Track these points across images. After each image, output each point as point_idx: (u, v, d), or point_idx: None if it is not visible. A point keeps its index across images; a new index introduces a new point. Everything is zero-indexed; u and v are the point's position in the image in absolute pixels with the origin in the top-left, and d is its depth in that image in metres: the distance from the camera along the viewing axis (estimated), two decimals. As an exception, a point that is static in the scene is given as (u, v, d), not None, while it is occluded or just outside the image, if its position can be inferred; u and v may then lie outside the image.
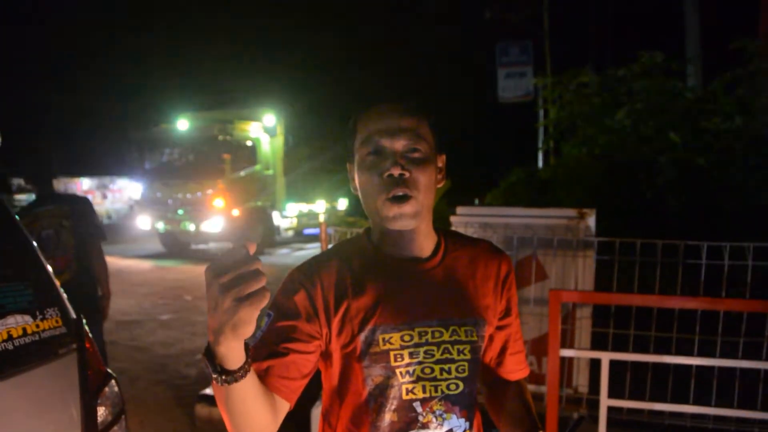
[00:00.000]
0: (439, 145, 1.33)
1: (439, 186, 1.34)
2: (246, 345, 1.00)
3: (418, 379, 1.27)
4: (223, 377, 1.00)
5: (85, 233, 3.99)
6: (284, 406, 1.21)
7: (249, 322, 0.92)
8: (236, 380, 1.00)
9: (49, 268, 2.05)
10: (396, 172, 1.24)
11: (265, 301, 0.91)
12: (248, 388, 1.05)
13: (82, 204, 4.14)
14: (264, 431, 1.15)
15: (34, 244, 2.07)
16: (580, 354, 3.70)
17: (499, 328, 1.43)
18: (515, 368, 1.48)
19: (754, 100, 6.24)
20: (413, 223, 1.28)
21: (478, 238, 1.48)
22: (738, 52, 6.49)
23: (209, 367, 1.00)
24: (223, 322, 0.92)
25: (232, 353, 0.98)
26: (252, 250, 0.93)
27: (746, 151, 5.74)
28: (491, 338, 1.42)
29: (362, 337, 1.27)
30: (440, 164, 1.34)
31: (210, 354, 0.99)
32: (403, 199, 1.24)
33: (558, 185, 6.74)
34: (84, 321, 2.07)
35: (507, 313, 1.43)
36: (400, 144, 1.26)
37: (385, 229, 1.32)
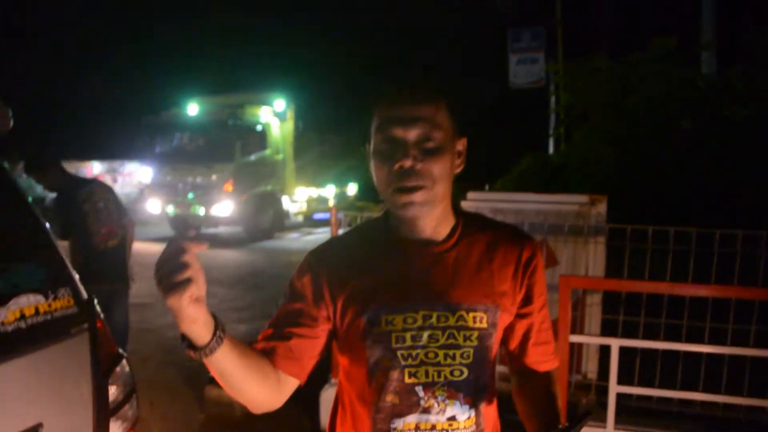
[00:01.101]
0: (458, 129, 1.31)
1: (458, 170, 1.32)
2: (216, 323, 1.08)
3: (421, 364, 1.27)
4: (192, 351, 1.08)
5: (121, 208, 4.67)
6: (292, 382, 1.27)
7: (179, 308, 1.00)
8: (206, 354, 1.08)
9: (61, 248, 2.06)
10: (407, 163, 1.23)
11: (189, 290, 0.98)
12: (226, 360, 1.12)
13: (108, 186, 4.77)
14: (263, 400, 1.24)
15: (47, 225, 2.08)
16: (589, 340, 3.69)
17: (520, 316, 1.38)
18: (540, 359, 1.42)
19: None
20: (423, 210, 1.27)
21: (503, 222, 1.46)
22: (752, 39, 6.40)
23: (183, 342, 1.09)
24: (170, 308, 1.01)
25: (192, 332, 1.06)
26: (192, 234, 1.02)
27: (761, 138, 5.68)
28: (512, 327, 1.39)
29: (365, 317, 1.28)
30: (460, 148, 1.32)
31: (183, 335, 1.09)
32: (412, 189, 1.23)
33: (569, 171, 6.71)
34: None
35: (527, 301, 1.37)
36: (413, 134, 1.24)
37: (399, 214, 1.31)
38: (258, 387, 1.21)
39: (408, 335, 1.27)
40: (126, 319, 4.59)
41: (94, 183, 4.62)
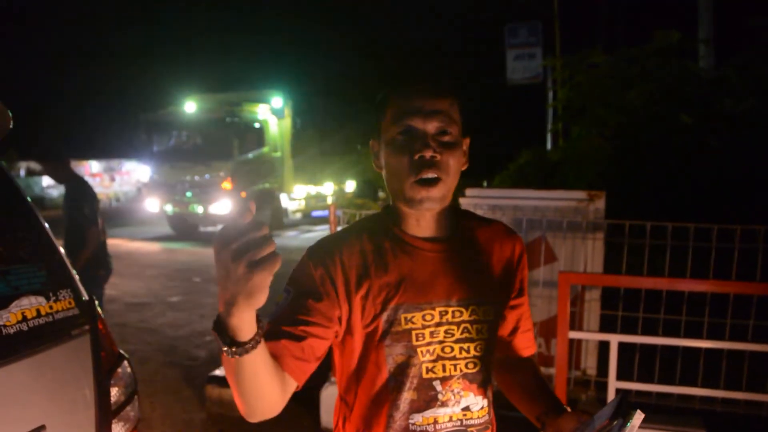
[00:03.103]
0: (465, 129, 1.33)
1: (463, 169, 1.34)
2: (257, 315, 0.98)
3: (438, 358, 1.29)
4: (234, 349, 0.97)
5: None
6: (293, 385, 1.21)
7: (263, 289, 0.89)
8: (247, 352, 0.98)
9: (62, 249, 2.06)
10: (428, 154, 1.23)
11: (277, 265, 0.89)
12: (259, 360, 1.03)
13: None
14: (272, 405, 1.15)
15: (47, 225, 2.08)
16: (588, 336, 3.70)
17: (512, 307, 1.45)
18: (525, 345, 1.51)
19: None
20: (438, 205, 1.28)
21: (491, 218, 1.49)
22: (752, 32, 6.39)
23: (219, 339, 0.98)
24: (236, 291, 0.89)
25: (244, 324, 0.95)
26: (253, 210, 0.89)
27: (760, 133, 5.68)
28: (504, 317, 1.45)
29: (384, 316, 1.27)
30: (465, 147, 1.34)
31: (220, 326, 0.97)
32: (432, 182, 1.24)
33: (568, 167, 6.70)
34: (95, 301, 2.09)
35: (520, 293, 1.45)
36: (432, 126, 1.26)
37: (406, 209, 1.32)
38: (276, 391, 1.13)
39: (427, 332, 1.28)
40: (101, 301, 4.84)
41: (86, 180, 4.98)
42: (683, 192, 5.42)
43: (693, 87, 6.59)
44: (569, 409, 1.35)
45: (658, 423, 3.34)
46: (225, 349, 0.98)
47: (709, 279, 3.37)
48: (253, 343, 0.98)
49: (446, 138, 1.26)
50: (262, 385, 1.08)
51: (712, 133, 5.96)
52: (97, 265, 4.59)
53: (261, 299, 0.91)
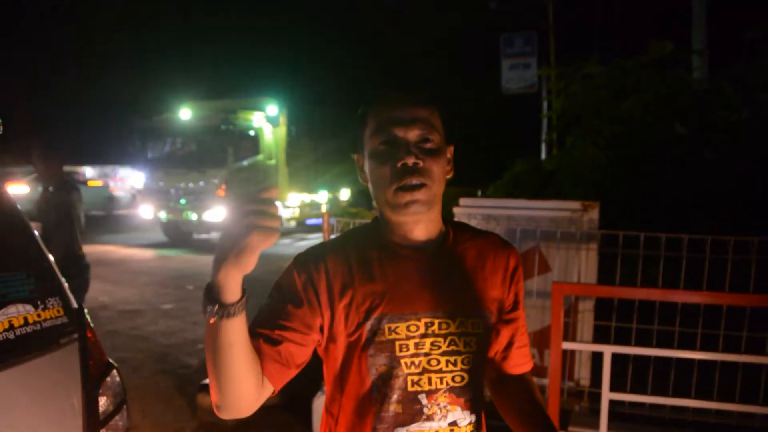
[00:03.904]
0: (448, 136, 1.32)
1: (448, 177, 1.33)
2: (243, 289, 1.05)
3: (424, 371, 1.27)
4: (217, 307, 1.03)
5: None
6: (269, 389, 1.21)
7: (253, 251, 0.99)
8: (230, 314, 1.04)
9: (51, 257, 2.05)
10: (410, 161, 1.23)
11: (273, 239, 0.98)
12: (238, 332, 1.07)
13: None
14: (245, 396, 1.15)
15: (36, 233, 2.06)
16: (582, 347, 3.69)
17: (507, 321, 1.43)
18: (520, 362, 1.48)
19: (762, 92, 6.19)
20: (424, 209, 1.27)
21: (486, 230, 1.48)
22: (746, 44, 6.44)
23: (206, 298, 1.04)
24: (230, 245, 0.99)
25: (230, 283, 1.02)
26: (275, 194, 1.02)
27: (753, 144, 5.70)
28: (498, 332, 1.42)
29: (368, 325, 1.26)
30: (449, 155, 1.34)
31: (209, 288, 1.04)
32: (416, 187, 1.24)
33: (562, 177, 6.71)
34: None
35: (515, 306, 1.43)
36: (413, 134, 1.26)
37: (394, 219, 1.31)
38: (250, 378, 1.14)
39: (411, 343, 1.26)
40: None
41: (77, 185, 5.00)
42: (677, 202, 5.43)
43: (687, 98, 6.62)
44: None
45: (651, 434, 3.34)
46: (209, 308, 1.04)
47: (703, 290, 3.37)
48: (237, 307, 1.04)
49: (428, 145, 1.26)
50: (236, 363, 1.10)
51: (706, 145, 5.99)
52: (66, 274, 4.52)
53: (248, 261, 1.00)
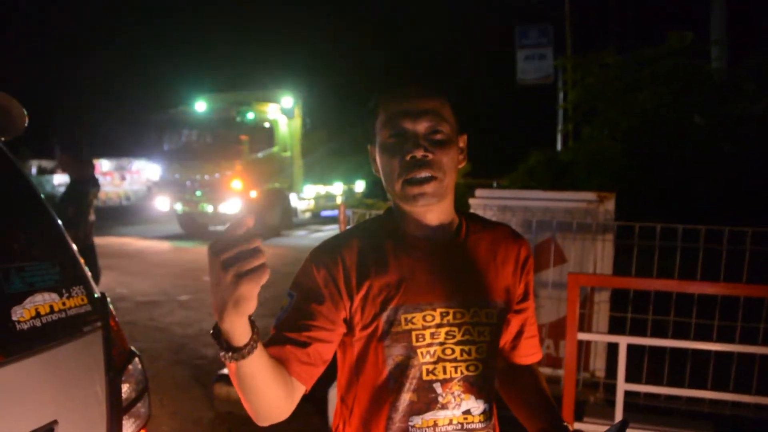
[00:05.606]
0: (460, 125, 1.33)
1: (461, 166, 1.34)
2: (252, 322, 1.02)
3: (439, 360, 1.28)
4: (230, 354, 1.01)
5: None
6: (301, 389, 1.22)
7: (249, 298, 0.93)
8: (243, 357, 1.02)
9: (74, 246, 2.08)
10: (419, 154, 1.24)
11: (264, 278, 0.92)
12: (257, 364, 1.06)
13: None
14: (278, 409, 1.17)
15: (59, 222, 2.10)
16: (597, 338, 3.69)
17: (517, 312, 1.43)
18: (529, 352, 1.49)
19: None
20: (434, 201, 1.27)
21: (498, 221, 1.48)
22: (765, 33, 6.35)
23: (217, 344, 1.02)
24: (225, 298, 0.93)
25: (237, 329, 0.99)
26: (250, 224, 0.93)
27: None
28: (508, 322, 1.43)
29: (384, 316, 1.27)
30: (461, 144, 1.34)
31: (217, 332, 1.01)
32: (425, 180, 1.24)
33: (578, 168, 6.68)
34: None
35: (525, 297, 1.43)
36: (422, 126, 1.26)
37: (407, 209, 1.31)
38: (279, 394, 1.15)
39: (427, 333, 1.27)
40: None
41: (97, 181, 5.39)
42: (694, 194, 5.39)
43: (705, 89, 6.55)
44: (571, 428, 1.34)
45: (666, 426, 3.34)
46: (222, 353, 1.02)
47: (720, 281, 3.35)
48: (249, 348, 1.02)
49: (438, 136, 1.26)
50: (262, 389, 1.10)
51: (724, 137, 5.93)
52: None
53: (248, 308, 0.94)
